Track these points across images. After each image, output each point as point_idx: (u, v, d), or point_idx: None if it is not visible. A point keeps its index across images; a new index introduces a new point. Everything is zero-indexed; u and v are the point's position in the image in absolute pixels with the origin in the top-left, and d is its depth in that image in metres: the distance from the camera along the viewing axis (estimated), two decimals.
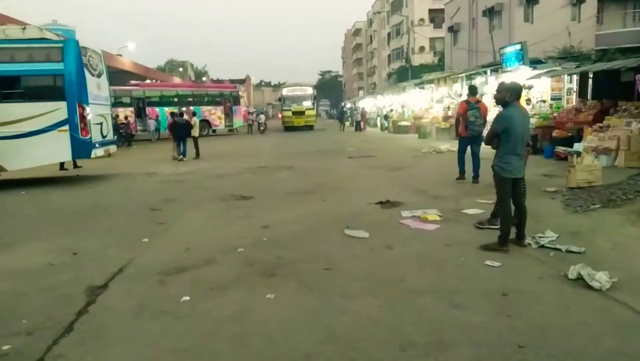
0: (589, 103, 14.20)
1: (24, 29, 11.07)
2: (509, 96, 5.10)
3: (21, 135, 10.46)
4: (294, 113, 33.62)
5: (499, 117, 5.10)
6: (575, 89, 16.69)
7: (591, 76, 15.49)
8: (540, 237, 5.25)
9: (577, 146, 11.32)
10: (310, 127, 34.42)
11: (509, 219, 5.06)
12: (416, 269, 4.56)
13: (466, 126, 9.25)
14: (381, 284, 4.21)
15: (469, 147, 9.53)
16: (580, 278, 4.02)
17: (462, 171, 9.57)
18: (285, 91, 35.21)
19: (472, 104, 9.18)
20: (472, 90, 9.70)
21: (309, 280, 4.35)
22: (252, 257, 5.07)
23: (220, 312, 3.71)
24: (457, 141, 10.01)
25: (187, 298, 4.00)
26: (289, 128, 33.84)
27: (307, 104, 34.16)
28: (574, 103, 15.34)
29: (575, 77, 16.80)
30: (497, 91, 5.32)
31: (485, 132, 6.59)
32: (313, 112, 34.75)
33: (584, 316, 3.43)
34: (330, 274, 4.51)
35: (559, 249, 4.90)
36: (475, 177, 9.28)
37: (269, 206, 7.86)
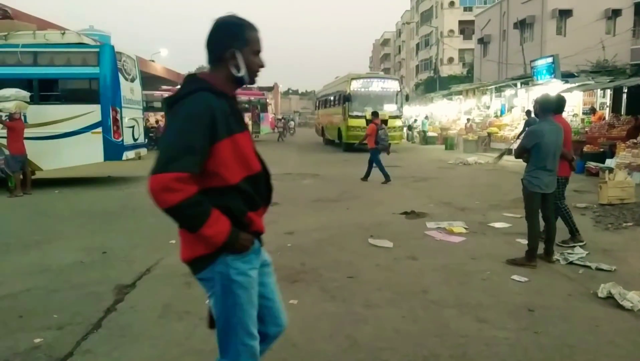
0: (623, 118, 13.86)
1: (63, 34, 11.48)
2: (539, 110, 5.05)
3: (56, 136, 10.80)
4: (369, 123, 21.52)
5: (529, 132, 5.07)
6: (608, 104, 16.33)
7: (625, 90, 15.13)
8: (569, 253, 5.15)
9: (610, 162, 11.06)
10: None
11: (537, 234, 4.98)
12: (440, 282, 4.52)
13: (376, 140, 11.60)
14: (404, 294, 4.19)
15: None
16: (610, 297, 3.92)
17: (386, 175, 11.29)
18: (355, 85, 21.26)
19: (379, 126, 11.87)
20: (376, 114, 12.30)
21: (331, 288, 4.36)
22: (276, 262, 5.05)
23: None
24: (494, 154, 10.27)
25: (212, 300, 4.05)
26: (349, 146, 19.58)
27: (391, 108, 21.28)
28: (606, 118, 14.99)
29: (608, 92, 16.45)
30: (533, 105, 5.29)
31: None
32: (399, 124, 21.92)
33: (614, 337, 3.34)
34: (353, 282, 4.51)
35: (589, 267, 4.79)
36: (366, 177, 11.67)
37: (293, 212, 7.91)
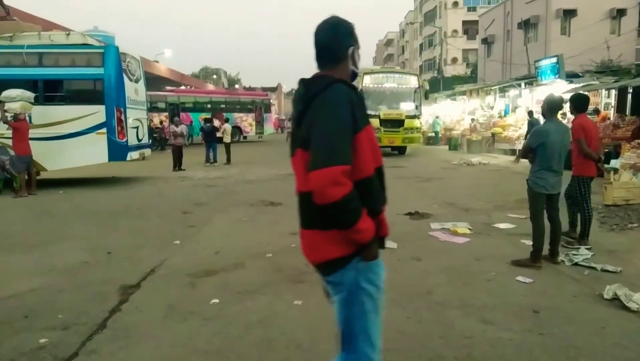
0: (628, 119, 13.80)
1: (68, 35, 11.53)
2: (545, 110, 5.03)
3: (61, 136, 10.86)
4: (383, 123, 18.40)
5: (534, 132, 5.05)
6: (613, 104, 16.26)
7: (630, 91, 15.06)
8: (574, 255, 5.12)
9: (614, 163, 10.99)
10: (402, 151, 20.08)
11: (542, 235, 4.96)
12: (445, 283, 4.51)
13: None
14: (409, 295, 4.17)
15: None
16: (616, 299, 3.90)
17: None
18: (368, 80, 18.98)
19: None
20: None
21: None
22: (281, 263, 5.12)
23: (248, 316, 3.75)
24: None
25: (216, 300, 4.06)
26: None
27: (408, 106, 19.16)
28: (611, 118, 14.92)
29: (613, 92, 16.38)
30: (541, 105, 5.28)
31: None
32: (417, 124, 19.40)
33: (620, 339, 3.32)
34: None
35: (594, 268, 4.77)
36: None
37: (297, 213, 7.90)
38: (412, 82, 19.56)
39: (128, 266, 5.08)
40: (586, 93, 8.49)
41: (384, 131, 18.17)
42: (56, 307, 3.95)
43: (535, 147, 4.89)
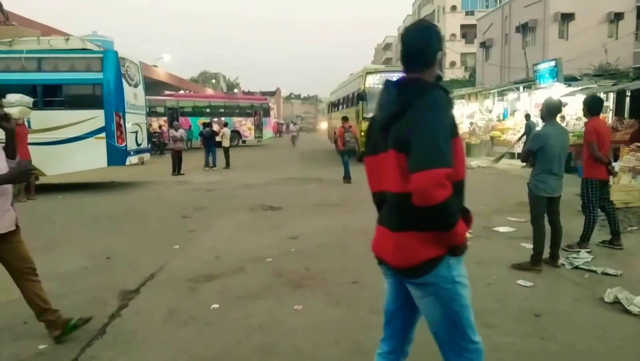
0: (626, 122, 13.83)
1: (67, 40, 11.53)
2: (545, 113, 5.04)
3: (60, 141, 10.85)
4: None
5: (534, 136, 5.06)
6: (611, 107, 16.30)
7: (628, 94, 15.11)
8: (574, 258, 5.12)
9: (614, 165, 11.01)
10: None
11: (543, 238, 4.96)
12: None
13: (344, 143, 12.64)
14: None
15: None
16: (617, 302, 3.89)
17: (349, 176, 12.49)
18: (371, 81, 17.61)
19: (347, 129, 12.74)
20: (346, 118, 13.25)
21: (336, 292, 4.34)
22: (281, 267, 5.10)
23: (248, 321, 3.74)
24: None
25: (217, 305, 4.04)
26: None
27: None
28: (609, 121, 14.96)
29: (612, 95, 16.42)
30: (540, 108, 5.28)
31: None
32: None
33: (622, 342, 3.31)
34: (357, 287, 4.49)
35: (594, 271, 4.76)
36: (347, 178, 12.52)
37: (297, 217, 7.90)
38: None
39: (127, 271, 5.06)
40: (600, 96, 8.49)
41: None
42: None
43: (536, 150, 4.89)
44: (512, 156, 18.56)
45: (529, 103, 19.81)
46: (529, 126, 16.28)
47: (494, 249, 5.75)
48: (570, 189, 10.62)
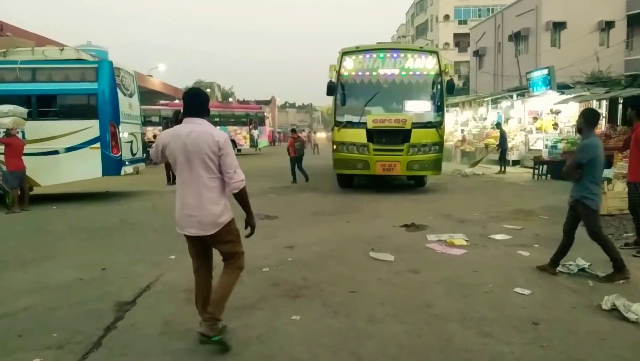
0: (619, 129, 13.94)
1: (61, 50, 11.53)
2: (583, 124, 4.90)
3: (55, 152, 10.78)
4: (374, 136, 11.24)
5: (584, 147, 4.77)
6: (604, 115, 16.43)
7: (621, 101, 15.25)
8: (570, 265, 5.12)
9: (607, 172, 11.05)
10: (419, 181, 12.99)
11: (613, 246, 4.87)
12: (443, 295, 4.49)
13: (295, 150, 14.31)
14: (407, 309, 4.15)
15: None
16: (614, 309, 3.90)
17: (295, 179, 14.29)
18: (351, 64, 11.80)
19: (296, 139, 14.63)
20: (294, 130, 15.66)
21: (334, 303, 4.32)
22: (277, 277, 5.08)
23: (246, 332, 3.71)
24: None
25: None
26: (345, 182, 12.84)
27: (420, 107, 11.75)
28: (603, 129, 15.08)
29: (604, 103, 16.56)
30: (577, 120, 5.20)
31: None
32: (436, 137, 11.47)
33: (621, 350, 3.31)
34: (355, 297, 4.47)
35: (595, 275, 4.79)
36: (307, 180, 14.28)
37: (293, 226, 7.88)
38: (429, 64, 11.56)
39: (123, 283, 5.01)
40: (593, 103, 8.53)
41: (375, 150, 11.02)
42: (51, 325, 3.89)
43: (585, 162, 4.67)
44: (515, 163, 18.64)
45: (523, 111, 19.94)
46: (503, 135, 16.65)
47: (490, 257, 5.75)
48: (563, 196, 10.67)
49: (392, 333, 3.67)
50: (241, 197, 3.53)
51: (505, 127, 20.18)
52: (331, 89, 11.66)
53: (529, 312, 4.01)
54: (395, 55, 11.76)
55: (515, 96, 20.72)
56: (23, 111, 10.28)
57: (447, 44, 50.71)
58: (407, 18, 66.50)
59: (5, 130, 9.83)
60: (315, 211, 9.25)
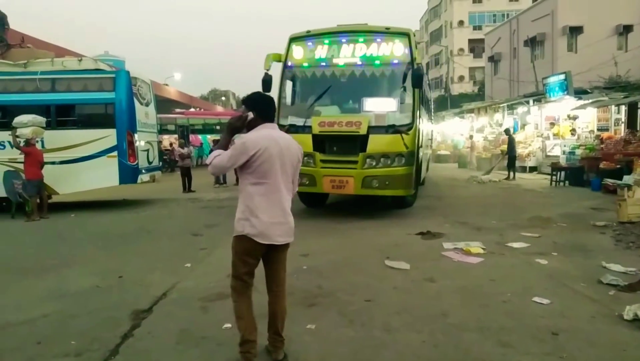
0: (639, 134, 13.70)
1: (80, 60, 11.74)
2: None
3: (73, 160, 10.97)
4: (322, 143, 8.85)
5: None
6: (623, 120, 16.18)
7: None
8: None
9: (627, 179, 10.87)
10: (400, 203, 9.93)
11: None
12: (460, 304, 4.44)
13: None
14: (423, 318, 4.11)
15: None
16: (636, 320, 3.81)
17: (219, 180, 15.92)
18: (300, 53, 9.43)
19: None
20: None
21: (349, 311, 4.29)
22: (292, 286, 5.04)
23: (261, 341, 3.68)
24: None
25: (229, 325, 4.00)
26: (309, 201, 10.54)
27: (383, 105, 9.00)
28: (622, 134, 14.84)
29: (623, 108, 16.30)
30: None
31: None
32: (402, 145, 8.58)
33: None
34: (370, 306, 4.44)
35: (617, 285, 4.70)
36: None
37: (308, 234, 7.87)
38: (397, 50, 8.99)
39: (140, 290, 5.05)
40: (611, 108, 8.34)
41: (323, 162, 8.78)
42: (69, 333, 3.93)
43: None
44: (522, 169, 18.42)
45: (540, 116, 19.72)
46: (511, 141, 16.55)
47: (508, 266, 5.67)
48: (583, 203, 10.55)
49: (409, 343, 3.63)
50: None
51: (521, 133, 20.02)
52: (267, 84, 9.11)
53: (548, 322, 3.94)
54: (355, 40, 9.15)
55: (531, 102, 20.51)
56: (42, 120, 10.49)
57: (461, 49, 50.51)
58: (421, 24, 66.40)
59: (25, 139, 10.03)
60: (329, 218, 9.23)
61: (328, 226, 8.59)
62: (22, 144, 10.04)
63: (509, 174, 16.25)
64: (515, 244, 6.65)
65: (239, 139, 3.15)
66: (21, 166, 10.31)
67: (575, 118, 17.49)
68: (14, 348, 3.69)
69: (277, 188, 3.16)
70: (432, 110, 14.53)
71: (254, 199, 3.14)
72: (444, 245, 6.69)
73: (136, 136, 11.23)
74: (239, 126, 3.21)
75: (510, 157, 16.48)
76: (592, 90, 18.72)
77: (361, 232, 7.92)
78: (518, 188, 14.26)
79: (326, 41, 9.29)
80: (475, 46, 48.95)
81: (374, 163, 8.60)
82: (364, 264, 5.90)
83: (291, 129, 8.72)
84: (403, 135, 8.56)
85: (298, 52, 9.41)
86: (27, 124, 10.15)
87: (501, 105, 23.14)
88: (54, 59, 11.86)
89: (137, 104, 11.45)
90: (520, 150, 18.55)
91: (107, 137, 10.97)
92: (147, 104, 12.28)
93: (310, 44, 9.39)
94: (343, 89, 9.32)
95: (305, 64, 9.41)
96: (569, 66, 20.94)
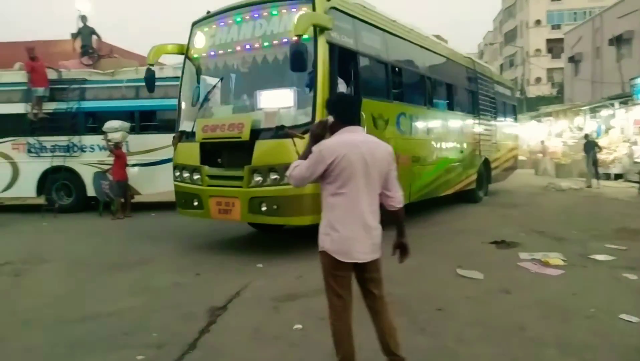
0: None
1: (161, 68, 12.44)
2: None
3: (154, 163, 11.65)
4: (215, 153, 6.93)
5: None
6: None
7: None
8: None
9: None
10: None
11: None
12: (538, 318, 4.23)
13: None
14: (498, 331, 3.96)
15: None
16: None
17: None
18: (202, 40, 7.54)
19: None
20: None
21: (420, 320, 4.23)
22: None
23: (331, 344, 3.73)
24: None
25: (300, 326, 4.09)
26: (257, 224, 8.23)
27: (278, 102, 6.51)
28: None
29: None
30: None
31: None
32: (297, 154, 5.46)
33: None
34: (442, 315, 4.35)
35: None
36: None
37: None
38: (291, 24, 6.21)
39: (215, 288, 5.26)
40: None
41: (210, 178, 6.95)
42: (151, 325, 4.18)
43: None
44: (607, 176, 17.29)
45: (626, 120, 18.37)
46: (591, 145, 15.61)
47: (591, 279, 5.33)
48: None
49: (483, 356, 3.51)
50: (401, 214, 3.13)
51: (605, 138, 18.76)
52: (148, 82, 8.12)
53: (638, 341, 3.66)
54: (254, 16, 6.94)
55: (617, 104, 19.15)
56: (127, 125, 11.25)
57: (538, 50, 48.19)
58: (495, 25, 64.09)
59: (114, 143, 10.81)
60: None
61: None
62: (112, 148, 10.84)
63: (591, 181, 15.28)
64: (600, 257, 6.23)
65: (317, 146, 2.85)
66: (108, 167, 11.10)
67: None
68: (102, 337, 3.97)
69: (359, 199, 2.84)
70: (507, 109, 13.97)
71: (334, 211, 2.87)
72: (520, 255, 6.40)
73: None
74: (321, 132, 2.95)
75: (592, 162, 15.54)
76: None
77: (433, 239, 7.76)
78: (601, 196, 13.36)
79: (221, 23, 7.31)
80: (554, 46, 46.45)
81: (260, 180, 6.37)
82: (435, 272, 5.78)
83: (183, 137, 7.53)
84: (295, 139, 5.92)
85: (200, 40, 7.58)
86: (118, 129, 10.96)
87: (583, 108, 21.81)
88: (138, 68, 12.65)
89: None
90: (604, 156, 17.38)
91: None
92: None
93: (208, 28, 7.49)
94: (239, 82, 7.56)
95: (204, 54, 7.59)
96: None
